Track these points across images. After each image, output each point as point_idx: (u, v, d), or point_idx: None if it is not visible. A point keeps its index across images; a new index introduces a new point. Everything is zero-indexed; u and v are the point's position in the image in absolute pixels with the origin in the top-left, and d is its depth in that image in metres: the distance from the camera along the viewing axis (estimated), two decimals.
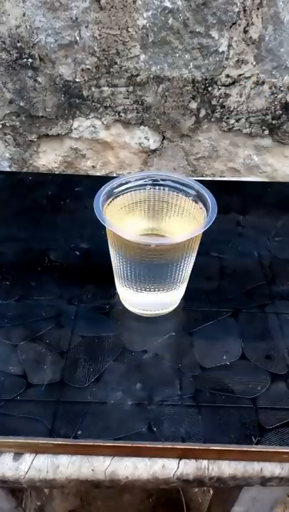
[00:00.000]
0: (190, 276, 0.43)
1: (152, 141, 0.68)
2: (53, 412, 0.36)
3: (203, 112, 0.64)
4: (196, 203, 0.41)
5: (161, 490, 0.82)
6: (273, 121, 0.65)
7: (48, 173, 0.72)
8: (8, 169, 0.72)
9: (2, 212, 0.58)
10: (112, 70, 0.61)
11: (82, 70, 0.61)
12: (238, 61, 0.60)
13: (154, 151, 0.69)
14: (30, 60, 0.60)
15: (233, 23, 0.57)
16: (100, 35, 0.58)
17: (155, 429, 0.35)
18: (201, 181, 0.41)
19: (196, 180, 0.42)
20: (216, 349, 0.41)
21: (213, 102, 0.63)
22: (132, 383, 0.38)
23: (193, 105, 0.64)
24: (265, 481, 0.35)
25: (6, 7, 0.56)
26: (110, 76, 0.61)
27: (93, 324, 0.43)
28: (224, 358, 0.40)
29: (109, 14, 0.56)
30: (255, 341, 0.42)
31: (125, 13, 0.56)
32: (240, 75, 0.61)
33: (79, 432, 0.34)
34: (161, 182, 0.43)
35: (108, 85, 0.62)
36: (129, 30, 0.57)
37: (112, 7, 0.56)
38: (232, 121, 0.65)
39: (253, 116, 0.65)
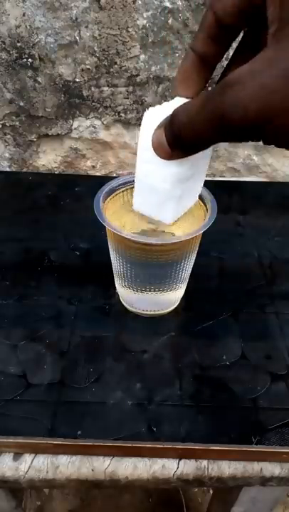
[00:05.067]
0: (190, 276, 0.43)
1: None
2: (52, 412, 0.36)
3: None
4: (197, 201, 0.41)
5: (161, 490, 0.82)
6: None
7: (48, 173, 0.72)
8: (8, 169, 0.72)
9: (2, 212, 0.58)
10: (111, 70, 0.61)
11: (82, 70, 0.61)
12: None
13: None
14: (30, 60, 0.60)
15: None
16: (99, 35, 0.58)
17: (155, 429, 0.35)
18: None
19: None
20: (216, 349, 0.41)
21: None
22: (132, 383, 0.38)
23: None
24: (265, 481, 0.35)
25: (6, 7, 0.56)
26: (110, 76, 0.61)
27: (93, 324, 0.43)
28: (224, 358, 0.40)
29: (109, 14, 0.56)
30: (255, 341, 0.42)
31: (125, 13, 0.56)
32: None
33: (79, 432, 0.34)
34: None
35: (108, 85, 0.62)
36: (129, 30, 0.57)
37: (112, 7, 0.56)
38: None
39: None
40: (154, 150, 0.24)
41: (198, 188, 0.34)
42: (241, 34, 0.24)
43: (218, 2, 0.22)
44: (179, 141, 0.22)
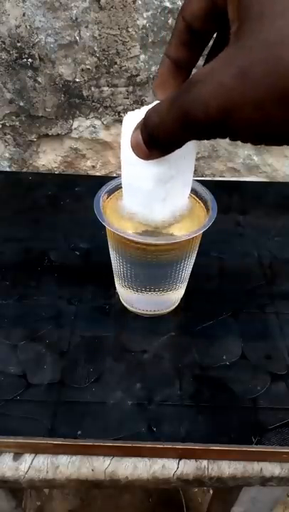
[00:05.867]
0: (190, 276, 0.43)
1: None
2: (52, 412, 0.36)
3: None
4: (197, 201, 0.41)
5: (161, 490, 0.82)
6: None
7: (48, 173, 0.72)
8: (8, 169, 0.72)
9: (2, 212, 0.58)
10: (111, 70, 0.61)
11: (82, 70, 0.61)
12: None
13: None
14: (30, 60, 0.60)
15: None
16: (99, 35, 0.58)
17: (155, 429, 0.35)
18: (201, 181, 0.41)
19: (196, 180, 0.42)
20: (216, 349, 0.41)
21: None
22: (132, 383, 0.38)
23: None
24: (265, 481, 0.35)
25: (6, 7, 0.56)
26: (110, 76, 0.61)
27: (93, 324, 0.43)
28: (224, 358, 0.40)
29: (109, 14, 0.56)
30: (255, 341, 0.42)
31: (125, 13, 0.56)
32: None
33: (79, 432, 0.34)
34: None
35: (108, 85, 0.62)
36: (129, 30, 0.57)
37: (111, 7, 0.56)
38: None
39: None
40: (133, 151, 0.25)
41: (186, 189, 0.35)
42: (214, 38, 0.25)
43: (187, 8, 0.23)
44: (154, 140, 0.23)
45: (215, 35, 0.25)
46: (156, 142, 0.23)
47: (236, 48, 0.18)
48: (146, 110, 0.23)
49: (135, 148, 0.24)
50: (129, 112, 0.28)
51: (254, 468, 0.35)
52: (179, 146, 0.23)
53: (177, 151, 0.24)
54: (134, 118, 0.26)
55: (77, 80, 0.62)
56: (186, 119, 0.20)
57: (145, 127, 0.23)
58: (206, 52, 0.26)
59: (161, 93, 0.26)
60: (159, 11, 0.56)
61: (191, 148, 0.30)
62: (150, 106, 0.25)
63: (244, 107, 0.18)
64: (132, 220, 0.34)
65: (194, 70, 0.26)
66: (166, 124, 0.21)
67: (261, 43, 0.17)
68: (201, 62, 0.26)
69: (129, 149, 0.25)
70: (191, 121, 0.20)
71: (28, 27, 0.57)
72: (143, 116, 0.23)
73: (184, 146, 0.23)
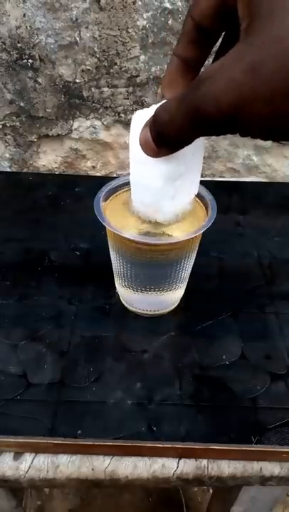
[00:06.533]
0: (190, 276, 0.43)
1: None
2: (53, 412, 0.36)
3: None
4: (197, 201, 0.41)
5: (161, 489, 0.82)
6: None
7: (48, 173, 0.72)
8: (8, 169, 0.72)
9: (3, 212, 0.58)
10: (112, 70, 0.61)
11: (83, 70, 0.61)
12: None
13: None
14: (30, 60, 0.60)
15: None
16: (100, 35, 0.58)
17: (155, 429, 0.35)
18: (201, 181, 0.41)
19: None
20: (216, 349, 0.41)
21: None
22: (132, 383, 0.38)
23: None
24: (264, 481, 0.35)
25: (7, 8, 0.56)
26: (110, 77, 0.61)
27: (93, 324, 0.43)
28: (224, 357, 0.40)
29: (109, 15, 0.56)
30: (255, 341, 0.42)
31: (125, 14, 0.56)
32: None
33: (79, 432, 0.34)
34: None
35: (108, 86, 0.62)
36: (129, 30, 0.57)
37: (112, 8, 0.56)
38: None
39: None
40: (142, 148, 0.25)
41: (194, 186, 0.35)
42: (222, 36, 0.25)
43: (196, 7, 0.23)
44: (162, 137, 0.23)
45: (223, 35, 0.25)
46: (165, 140, 0.23)
47: (247, 44, 0.18)
48: (155, 108, 0.23)
49: (144, 146, 0.24)
50: (138, 111, 0.28)
51: (254, 467, 0.35)
52: (188, 143, 0.23)
53: (186, 149, 0.24)
54: (142, 116, 0.27)
55: (78, 80, 0.62)
56: (197, 115, 0.20)
57: (154, 125, 0.23)
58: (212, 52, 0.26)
59: (170, 92, 0.26)
60: (159, 11, 0.56)
61: (199, 146, 0.30)
62: (159, 104, 0.25)
63: (255, 102, 0.18)
64: (139, 218, 0.34)
65: (202, 70, 0.26)
66: (176, 121, 0.21)
67: (272, 39, 0.17)
68: (207, 63, 0.26)
69: (137, 147, 0.25)
70: (201, 117, 0.20)
71: (29, 28, 0.57)
72: (152, 114, 0.23)
73: (192, 144, 0.23)
